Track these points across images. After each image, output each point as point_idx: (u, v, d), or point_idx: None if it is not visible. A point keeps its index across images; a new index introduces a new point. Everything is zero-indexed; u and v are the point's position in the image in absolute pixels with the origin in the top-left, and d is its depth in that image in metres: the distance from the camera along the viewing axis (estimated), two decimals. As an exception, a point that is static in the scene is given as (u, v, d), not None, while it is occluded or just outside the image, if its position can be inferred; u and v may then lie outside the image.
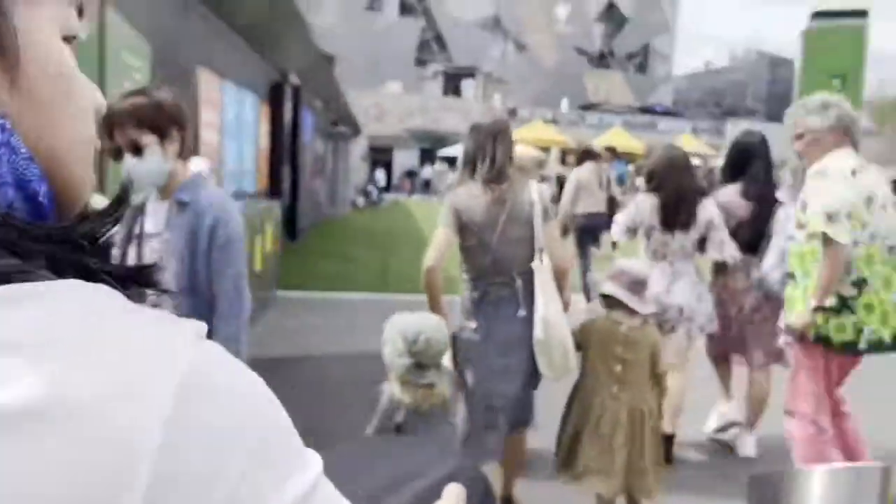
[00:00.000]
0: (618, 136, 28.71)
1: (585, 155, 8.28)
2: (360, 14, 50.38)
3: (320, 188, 16.64)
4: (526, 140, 26.15)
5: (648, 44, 55.46)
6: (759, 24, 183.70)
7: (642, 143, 25.57)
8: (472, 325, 2.85)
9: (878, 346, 2.88)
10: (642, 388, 2.82)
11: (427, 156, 32.33)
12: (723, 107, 66.72)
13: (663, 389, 2.94)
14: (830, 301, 2.83)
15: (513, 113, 40.58)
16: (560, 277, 2.87)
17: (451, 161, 25.19)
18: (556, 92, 48.29)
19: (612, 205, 7.93)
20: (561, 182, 12.55)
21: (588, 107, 48.61)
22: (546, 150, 28.73)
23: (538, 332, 2.73)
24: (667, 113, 53.18)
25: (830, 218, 2.76)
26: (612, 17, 54.89)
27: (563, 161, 25.42)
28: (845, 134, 2.97)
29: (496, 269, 2.81)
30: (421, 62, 49.82)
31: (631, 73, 55.82)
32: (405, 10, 51.11)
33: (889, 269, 2.88)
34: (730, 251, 3.65)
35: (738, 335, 3.90)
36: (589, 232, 7.77)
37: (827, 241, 2.78)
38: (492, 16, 51.72)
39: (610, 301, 2.88)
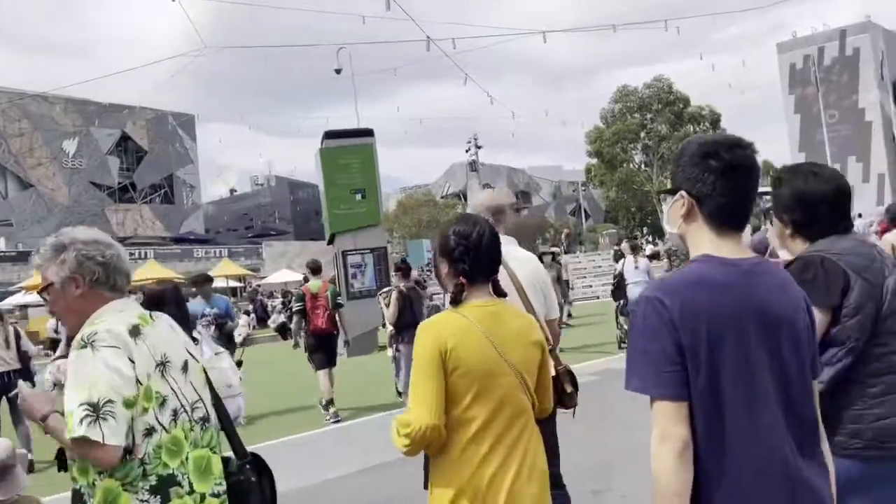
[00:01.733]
0: (153, 269, 26.97)
1: None
2: None
3: None
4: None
5: (172, 174, 54.79)
6: (272, 152, 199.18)
7: (178, 273, 24.49)
8: None
9: None
10: None
11: None
12: (254, 229, 69.08)
13: None
14: None
15: (23, 256, 35.63)
16: None
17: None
18: (76, 229, 44.07)
19: (25, 359, 8.05)
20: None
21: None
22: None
23: None
24: (201, 240, 52.69)
25: (97, 411, 1.83)
26: (128, 150, 52.99)
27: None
28: (97, 283, 2.04)
29: None
30: None
31: (157, 205, 54.23)
32: None
33: (206, 450, 2.08)
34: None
35: None
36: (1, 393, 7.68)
37: (91, 444, 1.83)
38: (-18, 152, 45.22)
39: None
